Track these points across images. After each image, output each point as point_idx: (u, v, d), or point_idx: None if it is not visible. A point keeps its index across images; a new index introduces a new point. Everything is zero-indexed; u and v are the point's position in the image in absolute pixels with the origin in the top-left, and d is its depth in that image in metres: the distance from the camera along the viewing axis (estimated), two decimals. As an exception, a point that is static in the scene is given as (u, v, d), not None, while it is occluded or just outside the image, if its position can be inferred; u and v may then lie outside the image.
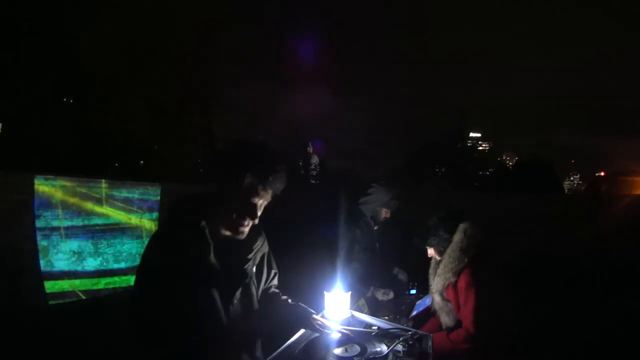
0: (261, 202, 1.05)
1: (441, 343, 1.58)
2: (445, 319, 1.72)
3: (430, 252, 1.79)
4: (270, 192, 1.04)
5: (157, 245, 1.01)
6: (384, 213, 2.34)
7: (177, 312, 0.93)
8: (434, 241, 1.75)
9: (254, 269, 1.14)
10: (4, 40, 12.32)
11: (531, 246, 5.13)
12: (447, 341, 1.58)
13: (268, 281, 1.25)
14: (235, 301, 1.06)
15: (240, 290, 1.08)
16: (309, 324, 1.15)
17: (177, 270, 0.94)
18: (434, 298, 1.75)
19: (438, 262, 1.76)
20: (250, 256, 1.10)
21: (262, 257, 1.19)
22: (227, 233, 1.07)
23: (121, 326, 0.98)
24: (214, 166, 1.09)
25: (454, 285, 1.63)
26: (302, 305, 1.23)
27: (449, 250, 1.67)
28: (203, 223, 1.02)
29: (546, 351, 2.78)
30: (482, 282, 1.57)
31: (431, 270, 1.82)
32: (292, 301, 1.25)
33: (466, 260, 1.61)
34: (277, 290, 1.29)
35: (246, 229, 1.07)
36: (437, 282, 1.71)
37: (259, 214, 1.05)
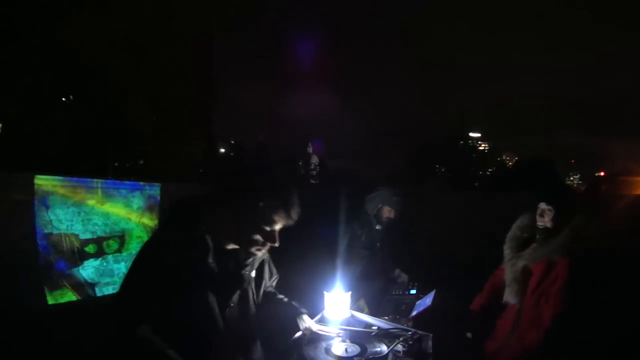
0: (278, 228, 1.05)
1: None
2: (509, 296, 1.61)
3: (547, 214, 1.57)
4: (285, 220, 1.04)
5: (153, 246, 1.00)
6: (387, 212, 2.33)
7: (167, 315, 0.92)
8: (559, 204, 1.56)
9: (253, 274, 1.14)
10: (3, 39, 12.30)
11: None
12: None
13: (268, 285, 1.27)
14: (232, 305, 1.06)
15: (237, 295, 1.08)
16: (298, 323, 1.16)
17: (172, 273, 0.93)
18: (515, 266, 1.60)
19: (542, 231, 1.59)
20: (248, 261, 1.10)
21: (262, 264, 1.19)
22: (234, 246, 1.06)
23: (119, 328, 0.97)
24: (232, 185, 1.07)
25: (552, 264, 1.51)
26: (294, 304, 1.24)
27: (568, 229, 1.53)
28: (203, 228, 1.01)
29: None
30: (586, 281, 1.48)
31: (518, 234, 1.68)
32: (286, 300, 1.27)
33: (572, 248, 1.50)
34: (273, 290, 1.31)
35: (263, 251, 1.07)
36: (534, 250, 1.58)
37: (277, 238, 1.05)
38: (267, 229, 1.02)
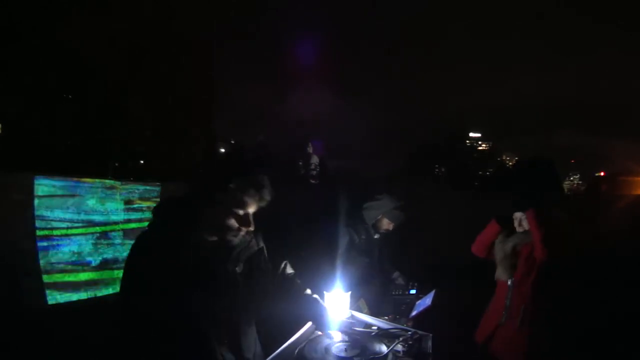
0: (252, 211, 1.06)
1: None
2: (502, 274, 1.81)
3: (524, 221, 1.80)
4: (257, 202, 1.05)
5: (139, 248, 1.02)
6: (386, 224, 2.27)
7: (159, 315, 0.94)
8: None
9: (239, 268, 1.13)
10: (3, 39, 12.30)
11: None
12: None
13: (276, 274, 1.28)
14: (220, 301, 1.05)
15: (224, 289, 1.07)
16: (318, 321, 1.19)
17: (159, 273, 0.94)
18: (506, 246, 1.82)
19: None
20: (232, 256, 1.10)
21: (252, 257, 1.18)
22: (214, 238, 1.07)
23: (119, 327, 0.99)
24: (205, 173, 1.12)
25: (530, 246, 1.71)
26: (319, 299, 1.28)
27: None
28: (186, 226, 1.02)
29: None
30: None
31: (502, 238, 1.88)
32: (309, 292, 1.29)
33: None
34: (298, 281, 1.32)
35: (240, 237, 1.08)
36: (521, 233, 1.79)
37: (252, 221, 1.06)
38: (240, 212, 1.03)
